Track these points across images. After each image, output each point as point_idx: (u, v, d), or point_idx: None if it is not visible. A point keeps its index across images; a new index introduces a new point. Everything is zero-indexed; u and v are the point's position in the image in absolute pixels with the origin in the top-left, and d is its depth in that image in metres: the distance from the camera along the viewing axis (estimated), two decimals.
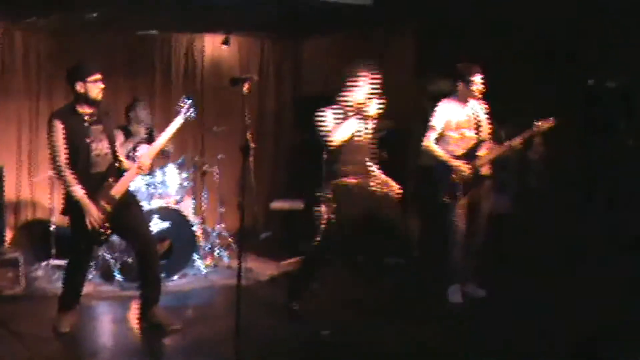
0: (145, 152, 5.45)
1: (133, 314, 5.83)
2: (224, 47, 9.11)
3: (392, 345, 5.15)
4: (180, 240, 6.98)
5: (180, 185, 7.31)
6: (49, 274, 7.02)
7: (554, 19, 6.64)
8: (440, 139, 6.05)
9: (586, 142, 7.04)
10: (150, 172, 6.98)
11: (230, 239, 7.85)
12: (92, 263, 6.72)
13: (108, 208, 5.19)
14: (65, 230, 5.73)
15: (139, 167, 5.35)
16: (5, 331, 5.37)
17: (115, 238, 6.26)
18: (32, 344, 5.09)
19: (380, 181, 5.65)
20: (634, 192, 6.59)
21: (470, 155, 6.01)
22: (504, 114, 6.27)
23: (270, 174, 9.45)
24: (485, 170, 6.04)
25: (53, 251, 7.21)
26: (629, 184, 6.67)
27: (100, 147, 5.25)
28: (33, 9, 7.10)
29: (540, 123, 5.86)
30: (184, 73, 9.10)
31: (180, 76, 9.06)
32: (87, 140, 5.17)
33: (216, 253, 7.73)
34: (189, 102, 5.51)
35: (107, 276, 6.86)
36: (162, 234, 6.85)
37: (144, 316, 5.49)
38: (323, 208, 5.61)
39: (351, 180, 5.54)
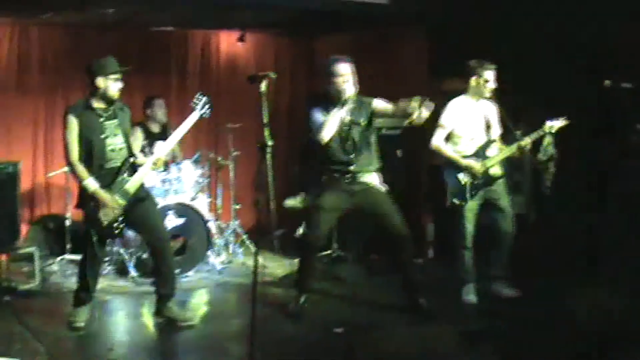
0: (160, 148, 5.46)
1: (147, 310, 5.84)
2: (240, 44, 9.11)
3: (403, 345, 5.14)
4: (195, 237, 7.00)
5: (196, 182, 7.32)
6: (64, 268, 7.06)
7: (569, 17, 6.59)
8: (449, 139, 6.03)
9: (599, 143, 6.98)
10: (166, 168, 7.00)
11: (244, 236, 7.86)
12: (107, 258, 6.76)
13: (122, 202, 5.21)
14: (81, 226, 5.75)
15: (154, 163, 5.36)
16: (20, 326, 5.39)
17: (130, 233, 6.30)
18: (47, 339, 5.10)
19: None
20: None
21: (479, 156, 5.98)
22: (517, 113, 6.23)
23: (284, 172, 9.44)
24: (495, 170, 6.01)
25: (68, 246, 7.25)
26: None
27: (115, 142, 5.26)
28: (49, 5, 7.11)
29: (551, 123, 5.82)
30: (200, 70, 9.10)
31: (196, 73, 9.06)
32: (102, 136, 5.19)
33: (230, 250, 7.74)
34: (204, 98, 5.51)
35: (122, 271, 6.89)
36: (177, 230, 6.88)
37: (158, 312, 5.50)
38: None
39: (338, 175, 5.58)
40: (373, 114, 5.64)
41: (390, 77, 8.07)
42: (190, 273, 6.96)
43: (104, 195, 5.12)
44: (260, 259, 5.51)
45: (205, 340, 5.23)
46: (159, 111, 7.46)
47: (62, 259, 7.20)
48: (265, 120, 4.50)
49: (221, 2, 7.17)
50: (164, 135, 7.22)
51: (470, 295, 6.07)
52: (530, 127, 5.94)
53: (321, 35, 9.38)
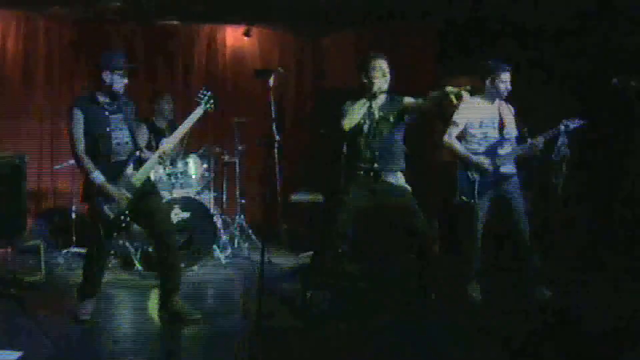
0: (166, 142, 5.45)
1: (152, 303, 5.84)
2: (245, 38, 9.10)
3: (405, 341, 5.13)
4: (201, 231, 6.99)
5: (201, 176, 7.32)
6: (69, 262, 7.07)
7: (579, 16, 6.58)
8: (462, 137, 6.01)
9: (611, 142, 6.97)
10: (172, 163, 7.00)
11: (250, 230, 7.86)
12: (112, 251, 6.76)
13: (128, 196, 5.20)
14: (86, 219, 5.75)
15: (160, 157, 5.35)
16: (25, 318, 5.39)
17: (136, 227, 6.28)
18: (52, 332, 5.09)
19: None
20: None
21: (491, 154, 5.95)
22: (530, 113, 6.20)
23: (290, 167, 9.44)
24: (507, 169, 5.97)
25: (73, 239, 7.26)
26: None
27: (121, 135, 5.25)
28: None
29: (566, 123, 5.79)
30: (205, 64, 9.09)
31: (202, 67, 9.06)
32: (108, 129, 5.18)
33: (236, 244, 7.73)
34: (208, 93, 5.50)
35: (127, 265, 6.89)
36: (182, 225, 6.87)
37: (163, 306, 5.49)
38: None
39: (363, 173, 5.57)
40: (404, 111, 5.58)
41: (396, 74, 8.04)
42: (195, 267, 6.96)
43: (110, 188, 5.11)
44: (266, 254, 5.50)
45: (210, 335, 5.22)
46: (166, 107, 7.45)
47: (67, 252, 7.20)
48: (273, 115, 4.50)
49: None
50: (170, 130, 7.22)
51: (475, 293, 6.05)
52: (542, 127, 5.92)
53: (328, 29, 9.36)
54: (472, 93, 5.19)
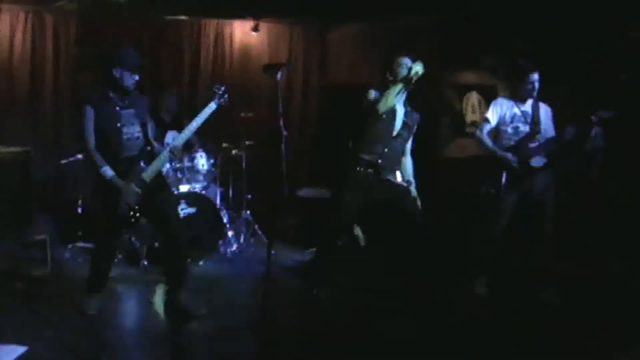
0: (178, 137, 5.44)
1: (158, 299, 5.84)
2: (253, 33, 9.08)
3: (411, 335, 5.13)
4: (207, 226, 6.99)
5: (208, 171, 7.32)
6: (75, 256, 7.07)
7: (589, 9, 6.53)
8: (494, 133, 6.04)
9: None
10: (181, 158, 7.00)
11: (256, 226, 7.85)
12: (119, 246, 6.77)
13: (138, 192, 5.20)
14: (93, 213, 5.75)
15: (171, 152, 5.34)
16: (32, 312, 5.40)
17: (143, 222, 6.28)
18: (58, 326, 5.11)
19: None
20: None
21: (521, 148, 5.94)
22: (562, 106, 6.18)
23: (297, 162, 9.42)
24: (537, 162, 5.94)
25: (80, 233, 7.25)
26: None
27: (132, 131, 5.25)
28: None
29: (599, 113, 5.74)
30: (213, 59, 9.08)
31: (209, 62, 9.04)
32: (118, 125, 5.18)
33: (242, 239, 7.73)
34: (223, 88, 5.48)
35: (134, 260, 6.89)
36: (189, 220, 6.87)
37: (169, 301, 5.50)
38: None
39: (367, 169, 5.59)
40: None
41: None
42: (201, 262, 6.97)
43: (120, 184, 5.12)
44: (272, 249, 5.50)
45: (216, 330, 5.22)
46: (170, 101, 7.46)
47: (73, 247, 7.20)
48: (280, 109, 4.48)
49: None
50: (175, 124, 7.22)
51: (481, 288, 6.04)
52: (574, 121, 5.90)
53: (335, 24, 9.35)
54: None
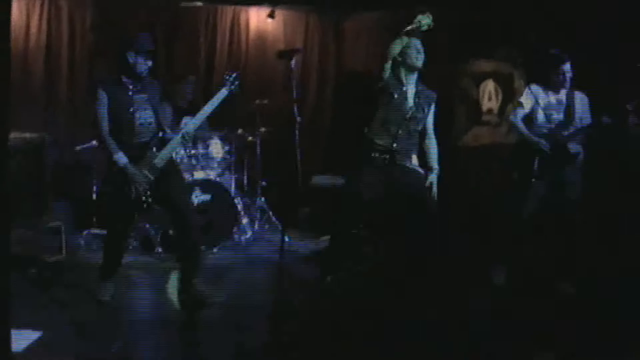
0: (190, 123, 5.42)
1: (172, 286, 5.84)
2: (269, 20, 9.03)
3: (420, 324, 5.10)
4: (221, 213, 6.99)
5: (223, 158, 7.30)
6: (89, 242, 7.08)
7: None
8: (527, 120, 5.97)
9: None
10: (194, 144, 6.98)
11: (270, 213, 7.83)
12: (132, 233, 6.77)
13: (151, 177, 5.19)
14: (108, 200, 5.74)
15: (183, 137, 5.32)
16: (46, 299, 5.43)
17: (157, 209, 6.28)
18: (72, 312, 5.13)
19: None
20: None
21: (555, 136, 5.88)
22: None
23: (312, 149, 9.38)
24: (571, 148, 5.88)
25: (94, 220, 7.26)
26: None
27: (145, 116, 5.23)
28: None
29: (634, 103, 5.66)
30: (228, 46, 9.04)
31: (224, 49, 9.00)
32: (131, 110, 5.16)
33: (256, 226, 7.71)
34: (234, 75, 5.46)
35: (147, 247, 6.89)
36: (203, 207, 6.86)
37: (182, 288, 5.49)
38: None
39: (382, 155, 5.55)
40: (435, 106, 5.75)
41: None
42: (215, 250, 6.96)
43: (133, 169, 5.11)
44: (286, 237, 5.48)
45: (230, 318, 5.21)
46: (188, 87, 7.44)
47: (88, 233, 7.20)
48: (295, 96, 4.45)
49: None
50: (191, 111, 7.19)
51: (499, 277, 5.99)
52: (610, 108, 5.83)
53: (352, 11, 9.29)
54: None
